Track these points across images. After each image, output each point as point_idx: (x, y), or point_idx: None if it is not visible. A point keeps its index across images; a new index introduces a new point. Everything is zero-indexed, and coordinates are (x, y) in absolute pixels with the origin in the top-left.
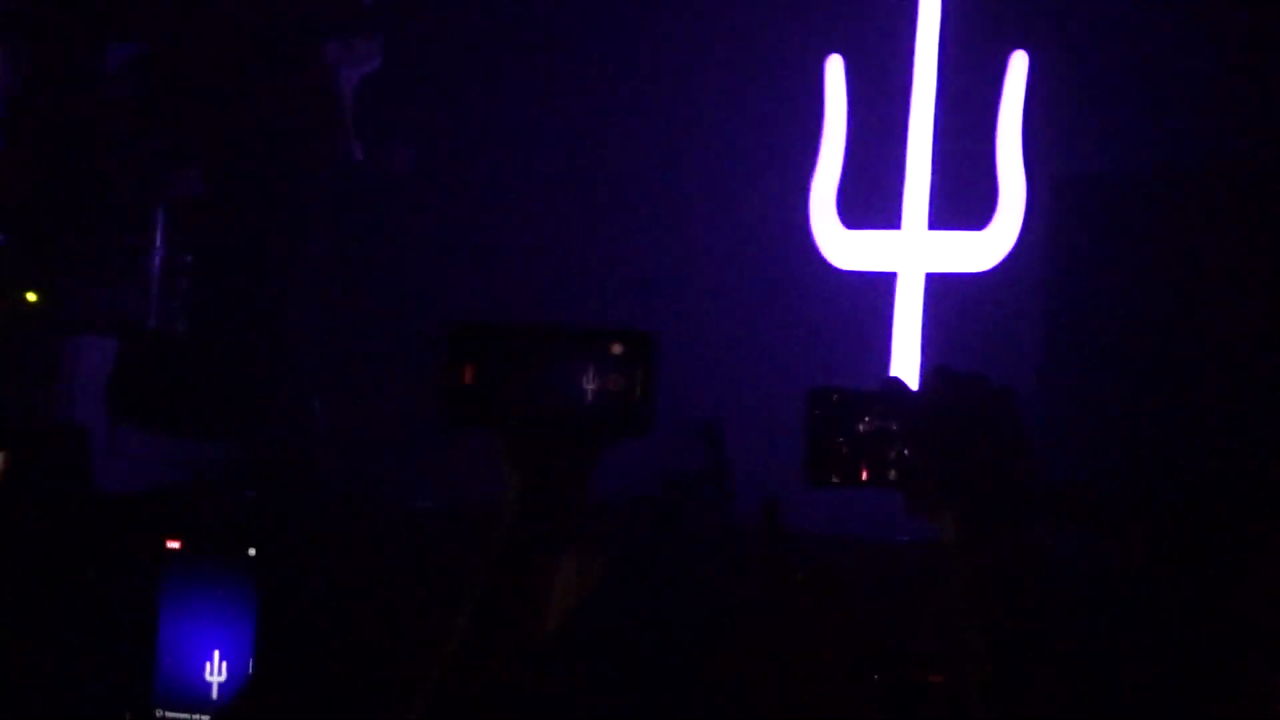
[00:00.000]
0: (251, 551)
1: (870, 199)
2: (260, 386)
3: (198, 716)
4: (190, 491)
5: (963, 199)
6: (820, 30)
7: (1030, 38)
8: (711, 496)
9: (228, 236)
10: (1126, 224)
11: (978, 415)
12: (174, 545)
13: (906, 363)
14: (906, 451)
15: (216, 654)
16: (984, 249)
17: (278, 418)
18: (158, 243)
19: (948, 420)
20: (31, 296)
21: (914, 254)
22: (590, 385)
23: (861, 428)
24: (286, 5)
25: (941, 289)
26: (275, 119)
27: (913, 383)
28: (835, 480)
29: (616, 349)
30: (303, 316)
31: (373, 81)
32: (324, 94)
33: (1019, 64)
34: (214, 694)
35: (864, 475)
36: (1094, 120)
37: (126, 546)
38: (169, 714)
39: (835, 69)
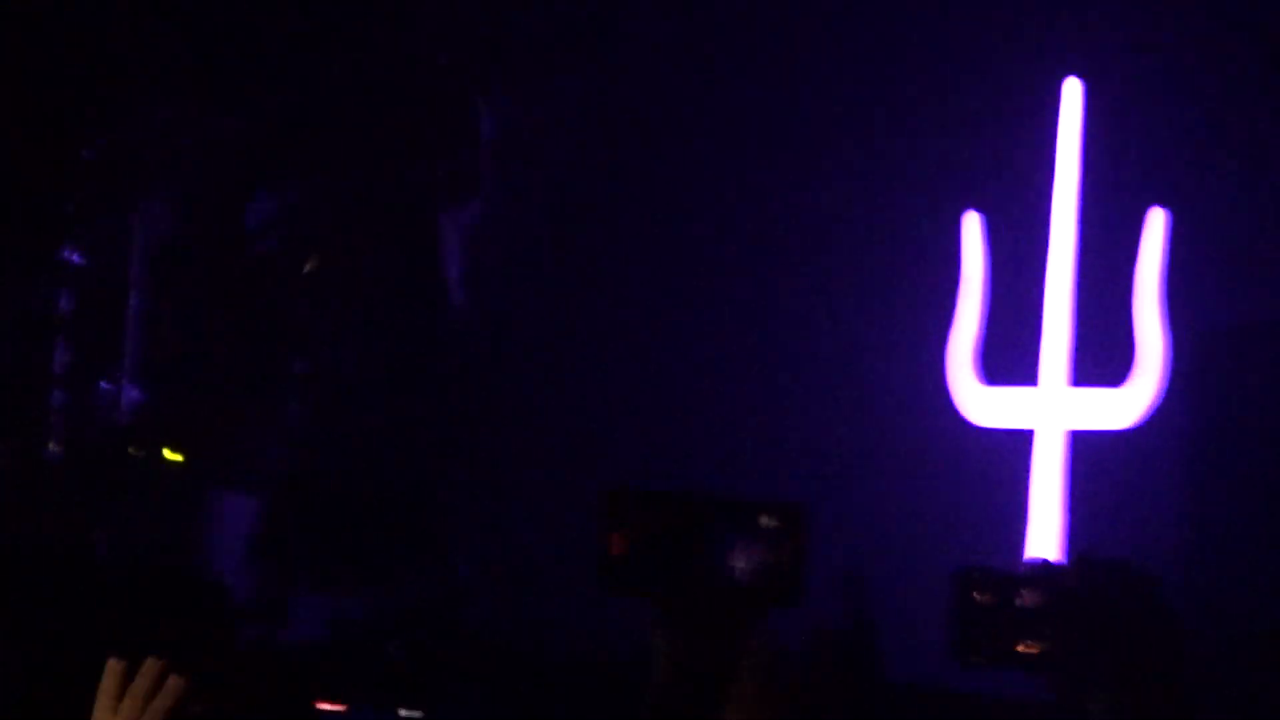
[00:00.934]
0: (403, 713)
1: (1009, 355)
2: (407, 539)
3: None
4: (338, 648)
5: (1103, 355)
6: (958, 187)
7: (1170, 193)
8: (856, 655)
9: (373, 391)
10: (1273, 378)
11: (1124, 605)
12: (325, 707)
13: (1046, 521)
14: (1053, 635)
15: None
16: (1125, 405)
17: (426, 570)
18: (299, 398)
19: (1094, 608)
20: (173, 453)
21: (1053, 411)
22: (742, 556)
23: (1008, 610)
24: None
25: (1082, 446)
26: (415, 270)
27: (1054, 554)
28: (981, 660)
29: (768, 520)
30: (452, 468)
31: (492, 229)
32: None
33: (1158, 219)
34: None
35: (1009, 657)
36: (1236, 275)
37: (276, 707)
38: None
39: (973, 225)
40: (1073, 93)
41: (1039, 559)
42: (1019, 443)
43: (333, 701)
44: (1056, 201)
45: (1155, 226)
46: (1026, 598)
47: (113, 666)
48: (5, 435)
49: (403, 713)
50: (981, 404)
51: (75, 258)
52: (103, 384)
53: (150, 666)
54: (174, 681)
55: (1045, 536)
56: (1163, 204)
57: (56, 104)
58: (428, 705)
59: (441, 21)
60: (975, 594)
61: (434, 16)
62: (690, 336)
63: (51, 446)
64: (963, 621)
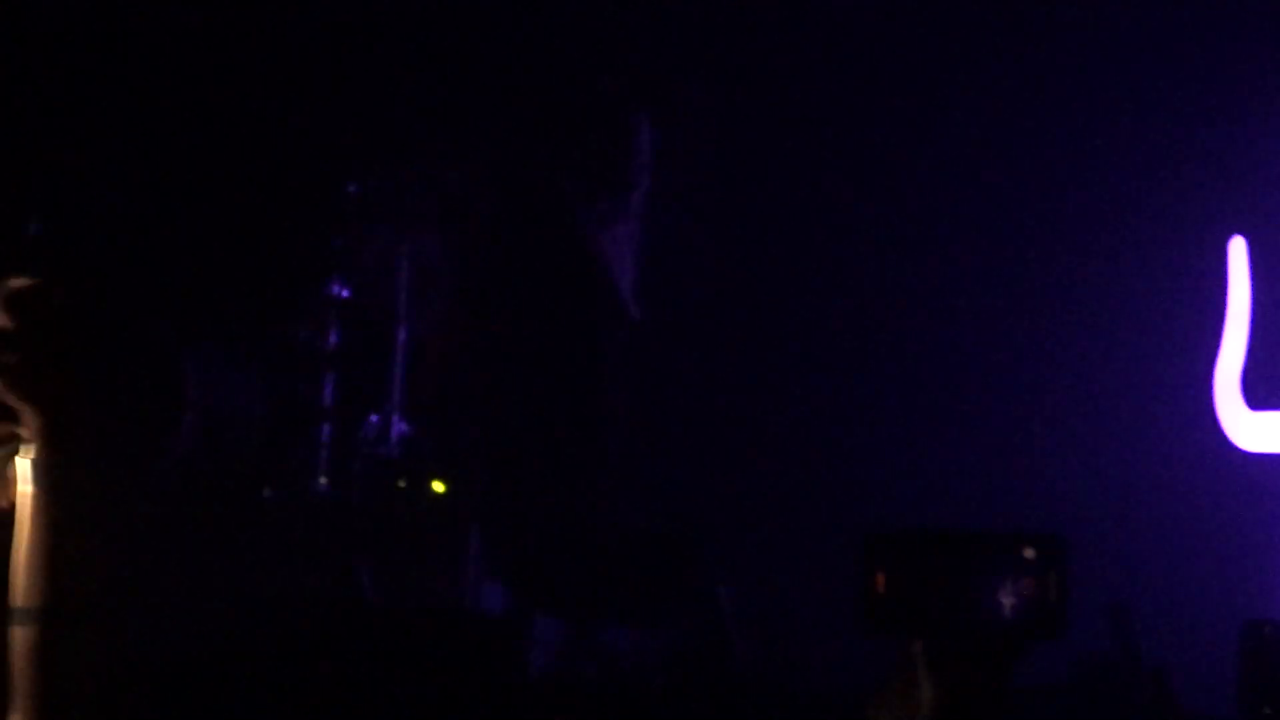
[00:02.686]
0: None
1: (1275, 379)
2: (669, 575)
3: None
4: (598, 680)
5: None
6: (1222, 211)
7: None
8: (1122, 680)
9: (630, 427)
10: None
11: None
12: None
13: None
14: None
15: None
16: None
17: (688, 606)
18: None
19: None
20: (439, 486)
21: None
22: (1004, 591)
23: None
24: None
25: None
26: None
27: None
28: (1270, 714)
29: (1029, 553)
30: (711, 507)
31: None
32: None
33: None
34: None
35: None
36: None
37: None
38: None
39: (1239, 249)
40: None
41: None
42: None
43: None
44: None
45: None
46: None
47: None
48: (276, 472)
49: None
50: (1248, 429)
51: (343, 292)
52: (372, 417)
53: None
54: None
55: None
56: None
57: (323, 141)
58: None
59: (602, 43)
60: (1259, 647)
61: (594, 38)
62: (942, 368)
63: (321, 481)
64: (1252, 675)
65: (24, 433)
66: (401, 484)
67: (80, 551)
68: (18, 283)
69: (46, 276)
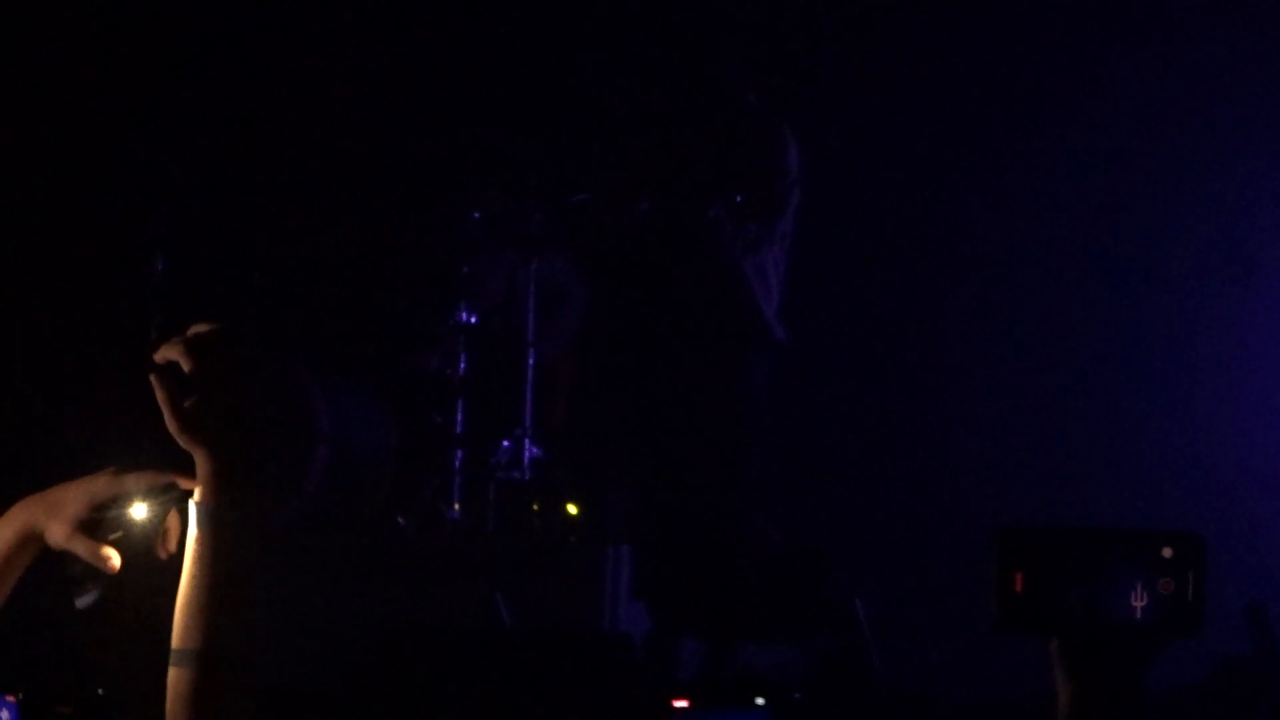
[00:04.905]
0: (760, 700)
1: None
2: (806, 590)
3: None
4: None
5: None
6: None
7: None
8: (1262, 680)
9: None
10: None
11: None
12: (681, 704)
13: None
14: None
15: None
16: None
17: (825, 621)
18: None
19: None
20: (573, 508)
21: None
22: (1141, 589)
23: None
24: None
25: None
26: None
27: None
28: None
29: (1167, 552)
30: (845, 518)
31: None
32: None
33: None
34: None
35: None
36: None
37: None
38: None
39: None
40: None
41: None
42: None
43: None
44: None
45: None
46: None
47: None
48: (410, 500)
49: (759, 700)
50: None
51: (471, 318)
52: (504, 442)
53: None
54: None
55: None
56: None
57: (449, 168)
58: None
59: (746, 56)
60: None
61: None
62: (1080, 368)
63: (454, 507)
64: None
65: (162, 478)
66: (535, 507)
67: (240, 593)
68: (198, 328)
69: (224, 323)
